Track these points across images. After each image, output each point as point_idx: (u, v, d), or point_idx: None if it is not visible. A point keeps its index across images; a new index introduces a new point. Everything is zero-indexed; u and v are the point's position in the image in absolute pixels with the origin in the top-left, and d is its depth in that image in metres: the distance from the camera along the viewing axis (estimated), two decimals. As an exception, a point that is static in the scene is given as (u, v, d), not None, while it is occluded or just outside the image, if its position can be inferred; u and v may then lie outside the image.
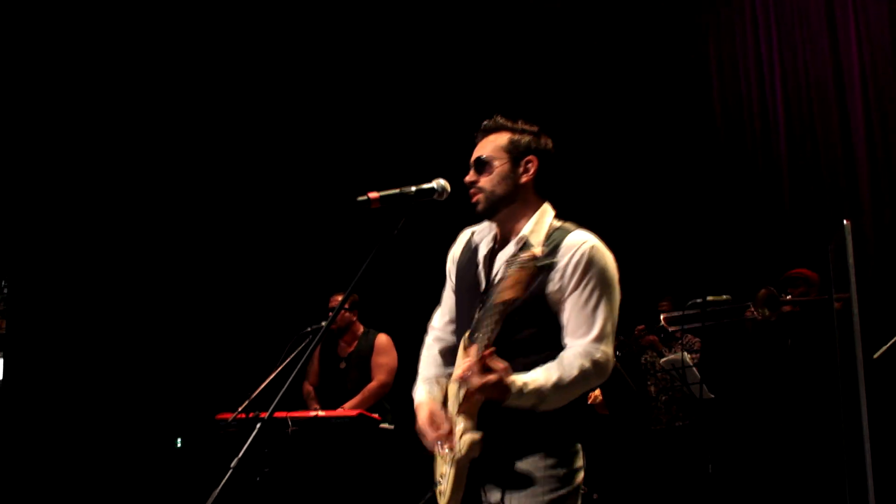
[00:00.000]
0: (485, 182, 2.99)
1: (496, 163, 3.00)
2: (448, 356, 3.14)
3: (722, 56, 8.21)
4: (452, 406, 2.88)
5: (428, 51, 8.63)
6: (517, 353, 2.78)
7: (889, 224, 6.84)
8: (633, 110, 8.40)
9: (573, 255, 2.83)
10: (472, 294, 3.01)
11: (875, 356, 5.13)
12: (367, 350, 6.72)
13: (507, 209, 3.01)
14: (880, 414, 5.12)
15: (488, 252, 3.05)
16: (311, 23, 8.55)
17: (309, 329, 6.00)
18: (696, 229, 7.88)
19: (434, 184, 2.92)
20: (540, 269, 2.75)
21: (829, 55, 7.40)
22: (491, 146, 3.04)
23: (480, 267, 3.04)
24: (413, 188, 2.91)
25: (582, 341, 2.79)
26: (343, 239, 7.96)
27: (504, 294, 2.63)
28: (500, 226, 3.05)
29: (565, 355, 2.78)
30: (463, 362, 2.71)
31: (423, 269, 8.22)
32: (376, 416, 6.04)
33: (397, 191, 2.88)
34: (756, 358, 6.51)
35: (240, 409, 5.35)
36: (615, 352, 3.15)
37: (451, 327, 3.18)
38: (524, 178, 3.02)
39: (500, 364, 2.61)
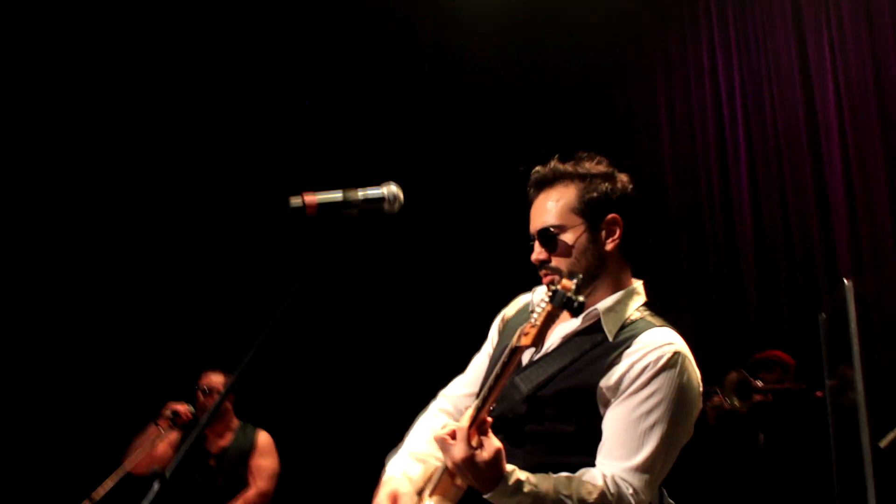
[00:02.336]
0: (559, 261, 2.78)
1: (569, 232, 2.77)
2: None
3: (674, 100, 8.18)
4: (428, 489, 2.70)
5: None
6: (541, 445, 2.61)
7: (876, 292, 6.77)
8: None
9: (648, 353, 2.61)
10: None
11: (882, 444, 5.01)
12: (244, 448, 6.48)
13: (589, 288, 2.78)
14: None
15: None
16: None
17: (167, 417, 5.94)
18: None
19: (383, 190, 2.66)
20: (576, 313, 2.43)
21: (801, 98, 7.46)
22: (557, 209, 2.80)
23: None
24: (360, 193, 2.63)
25: (617, 465, 2.54)
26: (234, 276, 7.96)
27: (522, 338, 2.40)
28: None
29: (587, 473, 2.54)
30: (444, 425, 2.51)
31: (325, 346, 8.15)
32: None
33: (339, 196, 2.61)
34: (720, 457, 6.35)
35: None
36: None
37: (469, 401, 2.93)
38: (610, 245, 2.80)
39: (495, 441, 2.41)
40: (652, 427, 2.55)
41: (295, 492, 7.02)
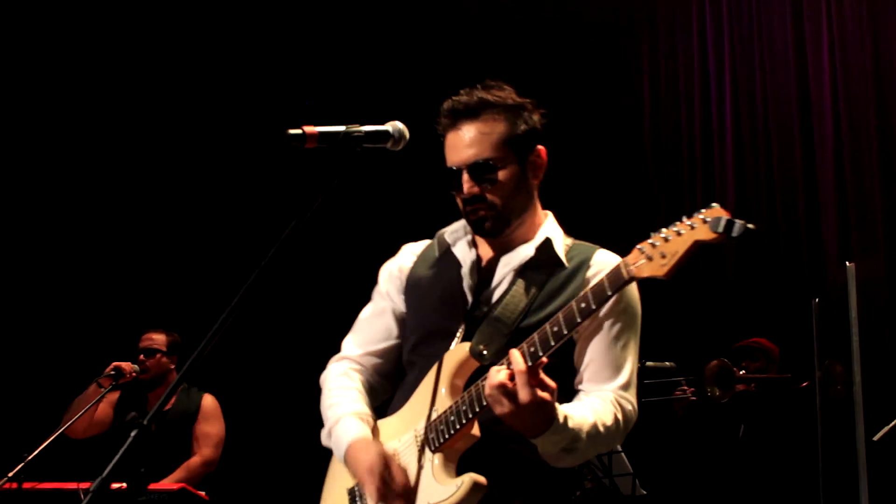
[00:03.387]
0: (494, 197, 2.80)
1: (503, 167, 2.81)
2: (378, 392, 3.06)
3: (657, 76, 8.04)
4: (407, 455, 2.75)
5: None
6: None
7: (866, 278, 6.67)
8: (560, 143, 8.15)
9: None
10: (449, 308, 2.87)
11: (875, 438, 4.96)
12: (188, 412, 6.32)
13: (516, 222, 2.87)
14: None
15: (474, 258, 2.91)
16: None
17: (108, 374, 5.85)
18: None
19: (389, 126, 2.62)
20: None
21: (794, 83, 7.36)
22: (488, 141, 2.80)
23: (466, 276, 2.88)
24: (363, 128, 2.58)
25: (608, 387, 2.72)
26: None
27: (644, 268, 2.40)
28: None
29: (594, 401, 2.69)
30: (497, 371, 2.51)
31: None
32: (203, 494, 5.60)
33: (342, 128, 2.56)
34: (697, 449, 6.33)
35: (7, 477, 5.04)
36: None
37: (374, 360, 3.07)
38: (536, 179, 2.91)
39: (551, 382, 2.48)
40: (626, 344, 2.74)
41: (243, 460, 6.91)
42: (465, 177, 2.78)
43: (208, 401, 6.38)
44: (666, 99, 8.04)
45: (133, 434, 2.19)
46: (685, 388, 6.22)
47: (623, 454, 6.22)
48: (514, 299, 2.75)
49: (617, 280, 2.43)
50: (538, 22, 8.29)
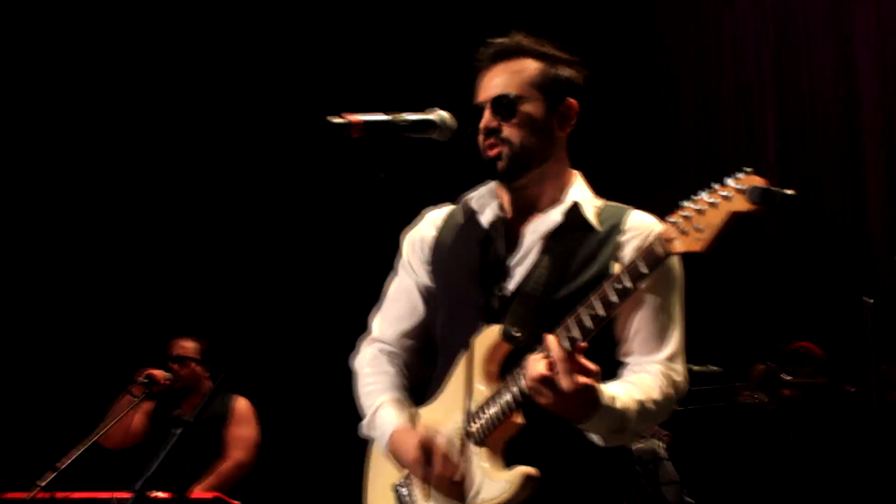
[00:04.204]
0: (512, 132, 2.74)
1: (527, 105, 2.76)
2: (414, 371, 2.99)
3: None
4: (451, 450, 2.67)
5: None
6: None
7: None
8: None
9: (645, 239, 2.64)
10: (476, 282, 2.79)
11: None
12: (220, 416, 6.29)
13: (535, 172, 2.79)
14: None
15: (500, 224, 2.82)
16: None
17: (142, 382, 5.90)
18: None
19: (433, 115, 2.56)
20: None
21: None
22: (517, 79, 2.78)
23: (494, 246, 2.80)
24: (409, 116, 2.52)
25: (655, 357, 2.66)
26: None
27: (677, 243, 2.33)
28: (514, 193, 2.83)
29: (640, 375, 2.64)
30: (535, 359, 2.45)
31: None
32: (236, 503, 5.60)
33: (388, 117, 2.49)
34: (745, 455, 6.28)
35: (39, 487, 5.13)
36: None
37: (405, 341, 3.00)
38: (563, 130, 2.84)
39: (593, 366, 2.41)
40: (671, 312, 2.68)
41: (278, 464, 6.84)
42: (487, 111, 2.75)
43: (241, 403, 6.36)
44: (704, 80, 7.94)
45: (178, 432, 2.23)
46: (748, 392, 6.10)
47: (669, 462, 6.14)
48: (545, 271, 2.70)
49: (653, 257, 2.37)
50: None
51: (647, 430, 2.59)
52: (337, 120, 2.38)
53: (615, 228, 2.72)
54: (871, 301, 5.10)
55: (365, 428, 2.89)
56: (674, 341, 2.67)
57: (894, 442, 5.17)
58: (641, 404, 2.52)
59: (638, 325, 2.66)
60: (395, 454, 2.75)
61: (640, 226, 2.72)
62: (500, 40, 2.83)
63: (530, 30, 2.88)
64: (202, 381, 6.36)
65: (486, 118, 2.74)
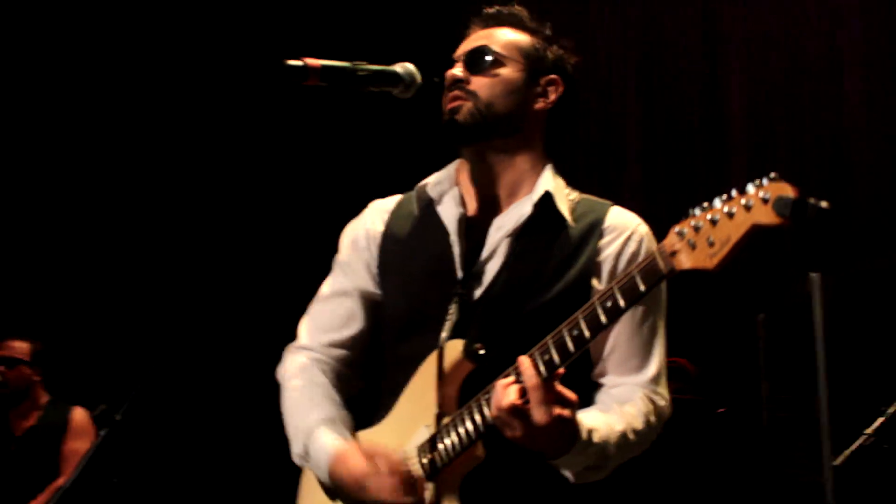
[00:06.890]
0: (481, 86, 2.53)
1: (506, 65, 2.56)
2: (348, 384, 2.68)
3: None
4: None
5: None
6: None
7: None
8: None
9: (628, 241, 2.50)
10: (434, 287, 2.52)
11: (836, 462, 4.82)
12: (55, 428, 6.19)
13: (498, 143, 2.55)
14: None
15: (461, 219, 2.56)
16: None
17: None
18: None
19: (399, 67, 2.42)
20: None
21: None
22: (503, 40, 2.60)
23: (454, 243, 2.54)
24: (370, 66, 2.39)
25: (636, 379, 2.47)
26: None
27: (683, 258, 2.04)
28: (478, 173, 2.59)
29: (622, 400, 2.44)
30: (504, 384, 2.21)
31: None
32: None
33: (348, 64, 2.36)
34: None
35: None
36: None
37: (337, 352, 2.68)
38: (539, 104, 2.59)
39: (571, 395, 2.20)
40: (654, 329, 2.51)
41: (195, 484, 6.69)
42: (459, 64, 2.57)
43: (78, 414, 6.21)
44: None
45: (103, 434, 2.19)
46: None
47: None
48: (514, 274, 2.46)
49: (653, 274, 2.08)
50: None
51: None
52: (294, 63, 2.25)
53: (594, 228, 2.51)
54: (763, 316, 5.13)
55: (298, 458, 2.58)
56: (657, 360, 2.49)
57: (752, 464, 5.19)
58: (623, 436, 2.33)
59: (616, 341, 2.48)
60: (339, 480, 2.44)
61: (621, 226, 2.52)
62: (499, 7, 2.67)
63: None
64: (34, 385, 6.21)
65: (457, 68, 2.55)
